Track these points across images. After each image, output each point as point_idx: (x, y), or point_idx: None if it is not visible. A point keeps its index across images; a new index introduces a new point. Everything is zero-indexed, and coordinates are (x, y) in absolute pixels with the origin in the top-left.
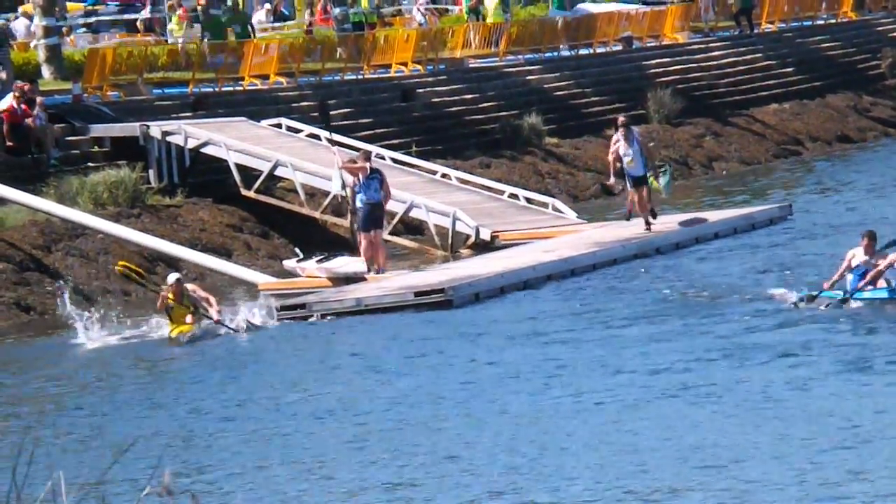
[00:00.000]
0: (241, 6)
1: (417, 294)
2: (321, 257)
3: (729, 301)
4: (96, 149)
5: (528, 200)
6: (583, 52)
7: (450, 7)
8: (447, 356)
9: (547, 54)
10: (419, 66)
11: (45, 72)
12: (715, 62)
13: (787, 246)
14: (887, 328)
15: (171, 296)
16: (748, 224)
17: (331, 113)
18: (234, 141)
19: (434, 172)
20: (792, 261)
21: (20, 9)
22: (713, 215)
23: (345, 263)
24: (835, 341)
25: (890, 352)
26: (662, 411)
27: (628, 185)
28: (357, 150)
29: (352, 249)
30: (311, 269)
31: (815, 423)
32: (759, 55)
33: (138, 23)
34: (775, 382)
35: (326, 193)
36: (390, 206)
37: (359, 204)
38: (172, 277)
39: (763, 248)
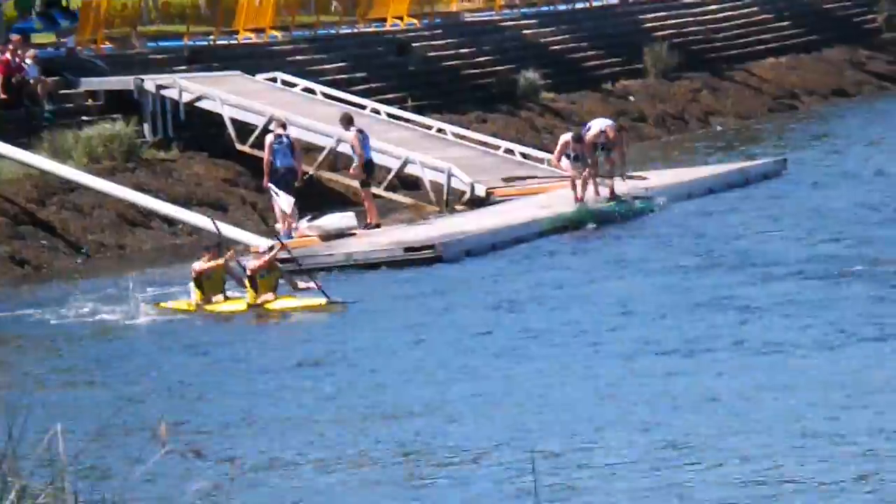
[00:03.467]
0: None
1: (407, 250)
2: (311, 216)
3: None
4: (90, 102)
5: (524, 156)
6: (579, 5)
7: None
8: (426, 313)
9: (543, 8)
10: (415, 20)
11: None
12: (711, 16)
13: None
14: None
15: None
16: (742, 179)
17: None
18: (228, 95)
19: (429, 127)
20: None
21: None
22: (707, 170)
23: (335, 220)
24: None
25: None
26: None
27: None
28: (351, 103)
29: (345, 205)
30: (302, 229)
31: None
32: (756, 9)
33: None
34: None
35: (321, 149)
36: (386, 161)
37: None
38: (267, 244)
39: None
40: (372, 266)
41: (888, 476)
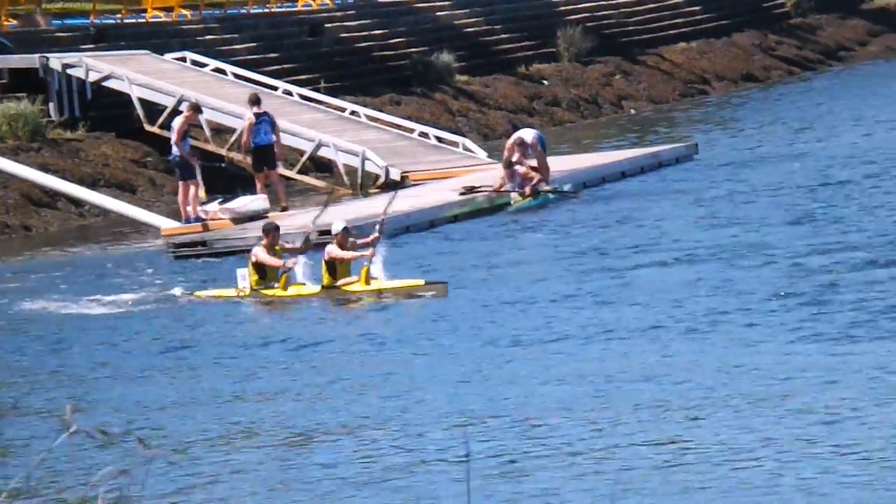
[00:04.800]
0: None
1: (322, 233)
2: (223, 199)
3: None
4: None
5: (439, 139)
6: None
7: None
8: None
9: None
10: (327, 1)
11: None
12: (624, 0)
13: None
14: None
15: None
16: (655, 163)
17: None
18: (136, 75)
19: (343, 110)
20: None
21: None
22: (620, 154)
23: (248, 202)
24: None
25: None
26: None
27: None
28: (262, 84)
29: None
30: (213, 212)
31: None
32: None
33: None
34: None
35: (233, 129)
36: (299, 143)
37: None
38: (339, 226)
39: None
40: (285, 249)
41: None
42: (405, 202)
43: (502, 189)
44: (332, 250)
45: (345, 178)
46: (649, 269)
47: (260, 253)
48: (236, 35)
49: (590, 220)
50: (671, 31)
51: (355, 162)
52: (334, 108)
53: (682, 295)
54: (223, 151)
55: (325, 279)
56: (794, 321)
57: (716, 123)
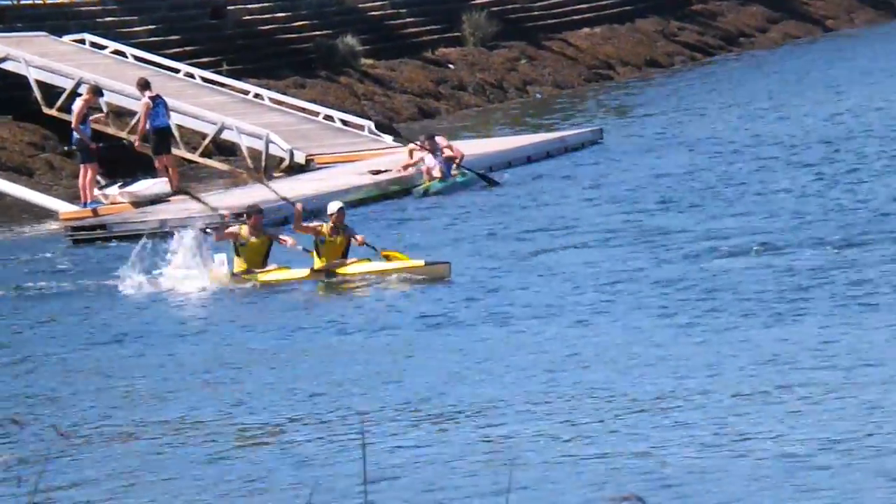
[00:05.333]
0: None
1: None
2: (122, 182)
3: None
4: None
5: (344, 122)
6: None
7: None
8: None
9: None
10: None
11: None
12: None
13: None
14: None
15: (327, 228)
16: (561, 147)
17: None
18: (34, 57)
19: (246, 92)
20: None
21: None
22: (526, 139)
23: (148, 186)
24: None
25: None
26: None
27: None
28: (163, 66)
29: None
30: (113, 196)
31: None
32: None
33: None
34: None
35: (133, 112)
36: (201, 126)
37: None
38: (336, 206)
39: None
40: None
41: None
42: (310, 185)
43: (408, 167)
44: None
45: (249, 161)
46: (549, 255)
47: (243, 230)
48: (136, 17)
49: (495, 204)
50: (575, 17)
51: (259, 145)
52: (237, 91)
53: (578, 278)
54: (123, 134)
55: (318, 261)
56: (683, 305)
57: (621, 109)
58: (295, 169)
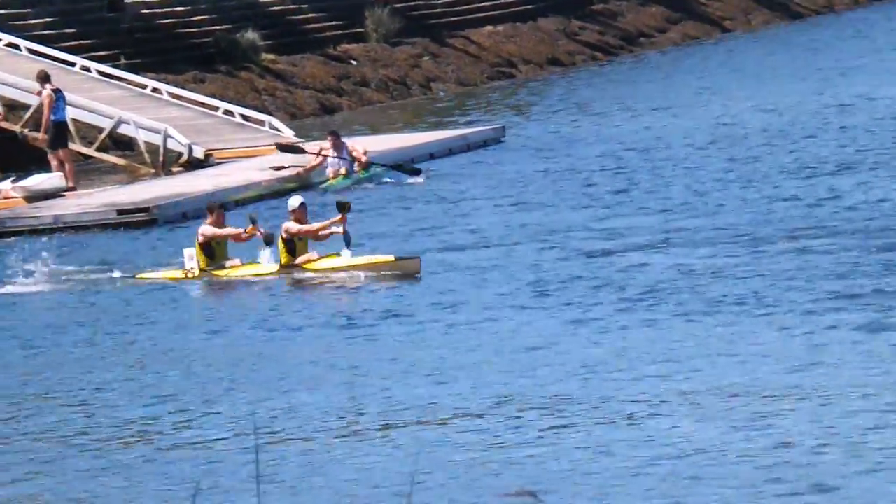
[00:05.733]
0: None
1: (121, 212)
2: (15, 177)
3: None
4: None
5: (244, 118)
6: None
7: None
8: None
9: None
10: None
11: None
12: None
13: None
14: None
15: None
16: (464, 145)
17: None
18: None
19: (144, 87)
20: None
21: None
22: (429, 136)
23: (42, 180)
24: None
25: None
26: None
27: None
28: (59, 60)
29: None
30: (6, 190)
31: None
32: None
33: None
34: None
35: (26, 106)
36: (97, 121)
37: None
38: (297, 201)
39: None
40: (82, 229)
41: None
42: (209, 181)
43: (314, 167)
44: (291, 226)
45: (146, 155)
46: (446, 253)
47: (208, 230)
48: (30, 9)
49: (395, 200)
50: (478, 14)
51: (157, 139)
52: (135, 86)
53: (473, 277)
54: (16, 128)
55: (284, 258)
56: (580, 301)
57: (523, 107)
58: (194, 164)
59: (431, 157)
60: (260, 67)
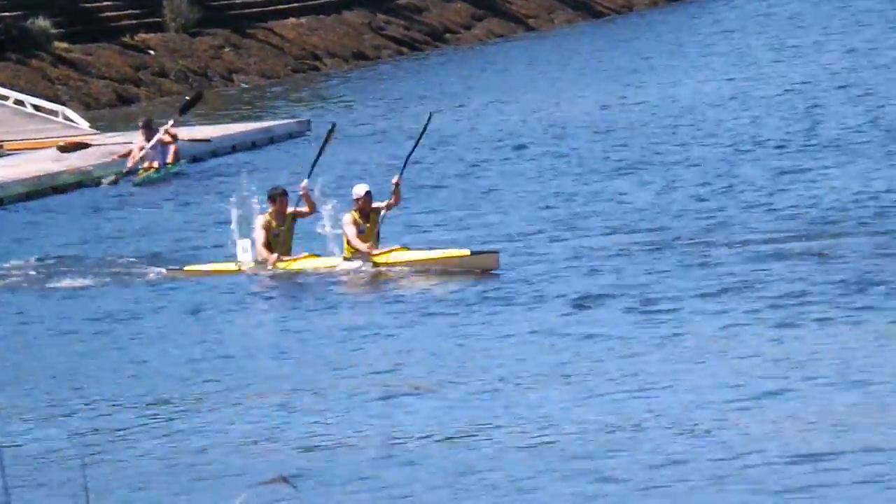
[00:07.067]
0: None
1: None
2: None
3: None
4: None
5: (36, 108)
6: None
7: None
8: None
9: None
10: None
11: None
12: None
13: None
14: None
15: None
16: (267, 138)
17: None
18: None
19: None
20: None
21: None
22: (231, 128)
23: None
24: None
25: None
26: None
27: None
28: None
29: None
30: None
31: None
32: None
33: None
34: None
35: None
36: None
37: None
38: (363, 189)
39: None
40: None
41: None
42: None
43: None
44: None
45: None
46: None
47: (263, 220)
48: None
49: (200, 194)
50: (280, 6)
51: None
52: None
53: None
54: None
55: (347, 250)
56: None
57: (328, 100)
58: None
59: (234, 149)
60: (52, 56)
